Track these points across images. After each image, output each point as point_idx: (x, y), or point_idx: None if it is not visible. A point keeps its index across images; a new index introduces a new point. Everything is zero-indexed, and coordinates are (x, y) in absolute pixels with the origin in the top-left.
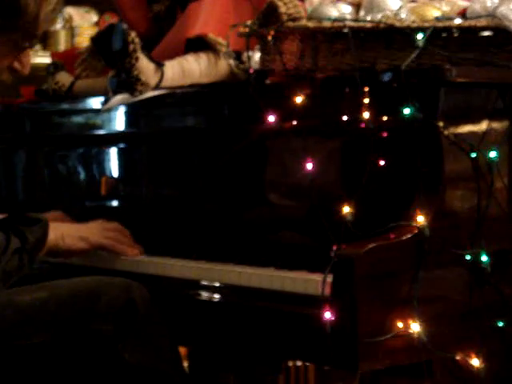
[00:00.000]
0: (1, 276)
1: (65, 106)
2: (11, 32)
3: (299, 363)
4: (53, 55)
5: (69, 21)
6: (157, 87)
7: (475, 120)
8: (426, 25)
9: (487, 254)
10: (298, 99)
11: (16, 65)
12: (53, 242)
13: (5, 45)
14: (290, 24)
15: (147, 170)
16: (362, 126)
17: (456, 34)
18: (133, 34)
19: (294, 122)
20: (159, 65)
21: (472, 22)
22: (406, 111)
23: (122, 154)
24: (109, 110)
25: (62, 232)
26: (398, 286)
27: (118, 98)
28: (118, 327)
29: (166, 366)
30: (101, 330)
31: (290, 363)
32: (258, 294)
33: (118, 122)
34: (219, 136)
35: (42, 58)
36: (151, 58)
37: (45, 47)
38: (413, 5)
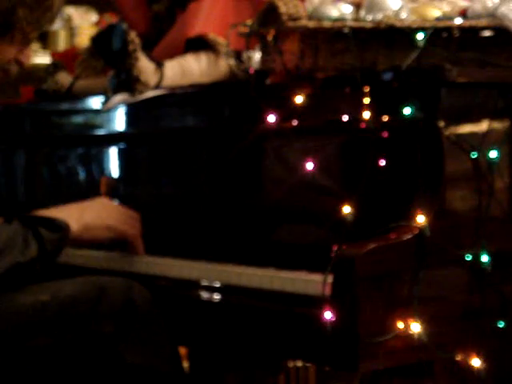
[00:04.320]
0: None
1: (65, 105)
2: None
3: (299, 364)
4: (53, 55)
5: (68, 21)
6: (157, 87)
7: (476, 120)
8: (427, 25)
9: (488, 254)
10: (299, 99)
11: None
12: (77, 234)
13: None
14: (290, 24)
15: (147, 169)
16: (363, 125)
17: (457, 34)
18: (133, 34)
19: (295, 122)
20: (159, 65)
21: (473, 22)
22: (407, 111)
23: (121, 154)
24: (109, 110)
25: (87, 222)
26: (398, 286)
27: (118, 97)
28: (119, 327)
29: (166, 367)
30: (101, 331)
31: (291, 363)
32: (258, 295)
33: (118, 121)
34: (219, 136)
35: (41, 58)
36: (151, 58)
37: (44, 47)
38: (413, 5)
